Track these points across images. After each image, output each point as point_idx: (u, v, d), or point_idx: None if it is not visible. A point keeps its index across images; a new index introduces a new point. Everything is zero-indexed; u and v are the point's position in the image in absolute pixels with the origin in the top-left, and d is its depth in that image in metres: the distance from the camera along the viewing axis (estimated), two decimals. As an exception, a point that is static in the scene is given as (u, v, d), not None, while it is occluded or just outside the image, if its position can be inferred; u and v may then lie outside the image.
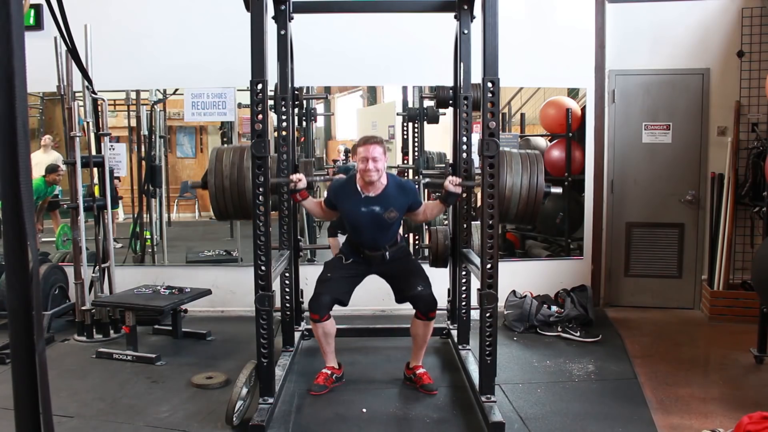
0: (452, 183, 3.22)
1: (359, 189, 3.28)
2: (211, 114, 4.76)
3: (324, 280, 3.34)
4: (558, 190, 3.08)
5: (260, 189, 2.76)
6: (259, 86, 2.69)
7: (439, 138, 5.12)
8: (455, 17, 3.60)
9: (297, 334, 3.93)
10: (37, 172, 4.96)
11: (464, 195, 3.63)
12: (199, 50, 4.63)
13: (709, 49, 4.76)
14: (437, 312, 4.26)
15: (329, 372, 3.33)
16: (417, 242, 5.09)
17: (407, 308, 4.75)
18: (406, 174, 5.16)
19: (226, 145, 3.14)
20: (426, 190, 4.83)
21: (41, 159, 5.07)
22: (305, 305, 4.24)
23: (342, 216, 3.43)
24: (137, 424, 2.90)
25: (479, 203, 3.11)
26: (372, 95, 5.33)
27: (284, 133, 3.65)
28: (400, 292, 3.38)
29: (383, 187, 3.27)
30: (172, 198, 5.36)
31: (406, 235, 5.08)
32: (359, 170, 3.22)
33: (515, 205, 2.95)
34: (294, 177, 3.27)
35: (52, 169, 4.99)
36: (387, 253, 3.37)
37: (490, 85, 2.69)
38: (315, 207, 3.48)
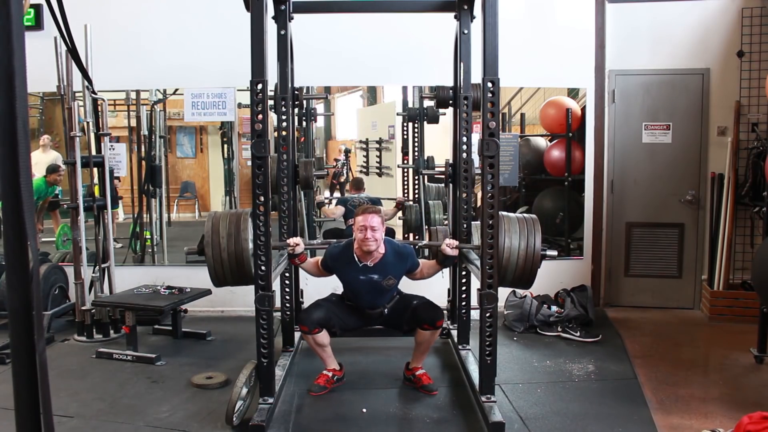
0: (449, 246, 3.22)
1: (357, 258, 3.27)
2: (211, 114, 4.77)
3: (323, 300, 3.38)
4: (554, 253, 3.06)
5: (260, 189, 2.76)
6: (259, 86, 2.69)
7: (439, 138, 5.12)
8: (455, 17, 3.60)
9: (297, 334, 3.92)
10: (37, 172, 4.96)
11: (465, 195, 3.64)
12: (199, 50, 4.63)
13: (709, 49, 4.76)
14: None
15: (330, 374, 3.33)
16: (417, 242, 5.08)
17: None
18: (406, 174, 5.17)
19: (221, 211, 3.09)
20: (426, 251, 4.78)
21: (40, 159, 5.07)
22: (305, 305, 4.24)
23: (340, 280, 3.42)
24: (137, 424, 2.90)
25: (479, 203, 3.12)
26: (372, 95, 5.33)
27: (284, 133, 3.65)
28: (401, 326, 3.39)
29: (381, 256, 3.27)
30: (172, 198, 5.36)
31: (406, 236, 5.09)
32: (357, 239, 3.22)
33: (513, 270, 2.93)
34: (291, 242, 3.24)
35: (52, 169, 4.99)
36: (385, 311, 3.39)
37: (490, 85, 2.69)
38: (313, 268, 3.46)
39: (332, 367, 3.36)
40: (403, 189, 5.12)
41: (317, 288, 4.50)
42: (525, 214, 3.11)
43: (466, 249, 3.35)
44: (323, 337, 3.27)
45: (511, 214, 3.06)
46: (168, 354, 3.87)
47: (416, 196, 5.12)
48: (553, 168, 4.96)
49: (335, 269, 3.38)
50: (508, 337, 4.23)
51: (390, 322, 3.44)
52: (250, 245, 2.93)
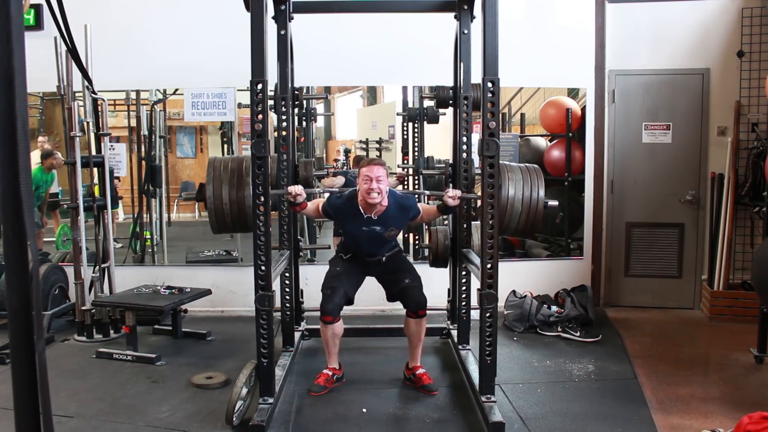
0: (452, 198, 3.20)
1: (361, 210, 3.26)
2: (211, 114, 4.77)
3: (332, 276, 3.37)
4: (555, 203, 3.17)
5: (260, 189, 2.76)
6: (259, 86, 2.69)
7: (439, 138, 5.12)
8: (455, 17, 3.60)
9: (297, 334, 3.93)
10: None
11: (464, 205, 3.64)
12: (199, 50, 4.63)
13: (709, 49, 4.76)
14: (437, 312, 4.30)
15: (330, 373, 3.33)
16: (417, 242, 5.09)
17: (407, 308, 4.73)
18: (406, 173, 5.16)
19: (222, 156, 3.06)
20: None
21: (38, 160, 5.08)
22: (305, 305, 4.25)
23: (341, 229, 3.49)
24: (137, 424, 2.90)
25: (479, 203, 3.12)
26: (372, 95, 5.33)
27: (284, 133, 3.66)
28: (389, 288, 3.42)
29: (384, 209, 3.27)
30: (172, 198, 5.36)
31: (406, 236, 5.09)
32: (362, 190, 3.20)
33: (516, 218, 2.97)
34: (292, 190, 3.14)
35: (47, 154, 4.97)
36: (384, 258, 3.41)
37: (490, 85, 2.69)
38: (314, 212, 3.45)
39: (333, 366, 3.36)
40: (404, 189, 5.12)
41: (317, 288, 4.50)
42: (528, 164, 3.15)
43: (467, 198, 3.39)
44: (340, 327, 3.33)
45: (514, 164, 3.10)
46: (168, 354, 3.87)
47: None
48: (553, 168, 4.96)
49: (337, 218, 3.44)
50: (508, 337, 4.23)
51: (383, 277, 3.45)
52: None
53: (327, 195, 3.44)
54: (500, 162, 2.83)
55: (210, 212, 2.92)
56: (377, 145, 5.29)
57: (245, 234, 4.91)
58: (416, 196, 3.58)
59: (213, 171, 2.94)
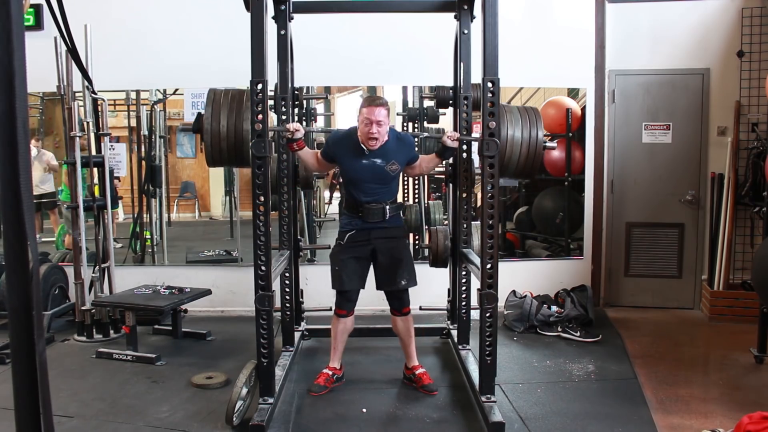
0: (450, 138, 3.20)
1: (361, 144, 3.14)
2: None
3: (337, 273, 3.27)
4: (553, 144, 3.20)
5: (260, 189, 2.76)
6: (259, 86, 2.69)
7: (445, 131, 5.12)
8: (455, 17, 3.60)
9: (297, 334, 3.93)
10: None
11: (464, 195, 3.63)
12: (199, 50, 4.63)
13: (709, 49, 4.76)
14: (437, 312, 4.31)
15: (330, 373, 3.32)
16: (417, 242, 5.09)
17: (407, 308, 4.72)
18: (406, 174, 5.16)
19: (222, 89, 2.98)
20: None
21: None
22: (305, 305, 4.25)
23: (341, 170, 3.29)
24: (137, 424, 2.90)
25: (479, 203, 3.12)
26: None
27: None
28: (383, 280, 3.29)
29: (384, 141, 3.16)
30: (172, 198, 5.36)
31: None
32: (362, 132, 3.09)
33: (516, 159, 2.98)
34: (291, 126, 3.08)
35: None
36: (387, 208, 3.24)
37: (490, 85, 2.69)
38: (311, 158, 3.32)
39: (334, 366, 3.35)
40: (403, 189, 5.11)
41: (318, 288, 4.51)
42: (527, 106, 3.18)
43: (467, 140, 3.40)
44: (352, 322, 3.35)
45: (513, 106, 3.12)
46: (168, 354, 3.87)
47: (416, 196, 5.12)
48: (553, 168, 4.96)
49: (337, 155, 3.24)
50: (508, 337, 4.23)
51: (381, 262, 3.27)
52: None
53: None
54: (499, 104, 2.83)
55: (206, 140, 2.85)
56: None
57: (245, 234, 4.94)
58: (415, 138, 3.52)
59: (213, 96, 2.90)
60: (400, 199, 5.14)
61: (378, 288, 3.35)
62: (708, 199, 4.82)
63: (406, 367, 3.41)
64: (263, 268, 2.80)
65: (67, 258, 4.62)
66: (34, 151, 5.12)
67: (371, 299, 4.65)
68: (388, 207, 3.25)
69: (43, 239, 5.25)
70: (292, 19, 3.65)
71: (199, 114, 2.90)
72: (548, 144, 3.06)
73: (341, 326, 3.32)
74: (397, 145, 3.21)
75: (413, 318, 3.40)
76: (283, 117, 3.62)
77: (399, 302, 3.31)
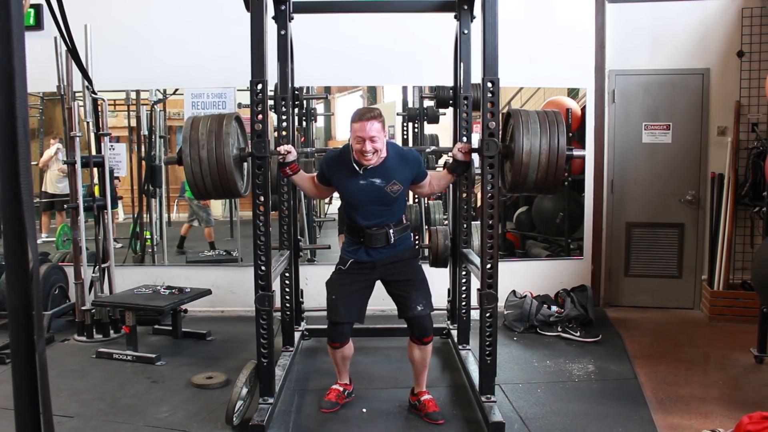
0: (462, 150, 2.90)
1: (356, 161, 2.83)
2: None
3: (333, 303, 2.97)
4: (582, 152, 2.72)
5: (260, 189, 2.76)
6: (259, 86, 2.69)
7: (439, 138, 5.12)
8: (455, 17, 3.60)
9: (297, 334, 3.93)
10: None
11: (464, 195, 3.63)
12: (199, 50, 4.63)
13: (709, 49, 4.76)
14: (437, 312, 4.29)
15: (341, 389, 3.14)
16: (417, 242, 5.09)
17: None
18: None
19: (203, 113, 2.82)
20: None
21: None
22: (305, 305, 4.25)
23: (339, 193, 3.01)
24: (137, 424, 2.90)
25: (479, 203, 3.11)
26: (372, 95, 5.33)
27: (284, 133, 3.66)
28: (398, 308, 3.01)
29: (383, 159, 2.84)
30: (172, 198, 5.36)
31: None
32: (355, 151, 2.79)
33: (534, 172, 2.62)
34: (281, 149, 2.86)
35: None
36: (391, 232, 2.90)
37: (490, 85, 2.69)
38: (307, 183, 3.05)
39: (344, 381, 3.17)
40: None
41: (318, 288, 4.50)
42: (547, 110, 2.77)
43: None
44: (350, 349, 3.07)
45: (530, 110, 2.75)
46: (168, 354, 3.87)
47: (416, 196, 5.12)
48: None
49: (332, 177, 2.93)
50: (508, 337, 4.23)
51: (393, 288, 2.99)
52: (234, 151, 2.70)
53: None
54: (513, 109, 2.59)
55: (188, 178, 2.66)
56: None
57: (245, 234, 4.94)
58: (420, 152, 3.18)
59: (191, 123, 2.68)
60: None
61: (399, 316, 3.05)
62: (708, 199, 4.82)
63: (412, 393, 3.11)
64: (263, 268, 2.80)
65: (67, 258, 4.62)
66: (52, 149, 5.11)
67: (371, 299, 4.65)
68: (392, 231, 2.92)
69: (50, 239, 5.25)
70: (292, 19, 3.65)
71: (180, 149, 2.76)
72: (575, 153, 2.67)
73: (339, 354, 3.04)
74: (399, 162, 2.88)
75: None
76: (284, 133, 3.57)
77: (419, 330, 2.95)
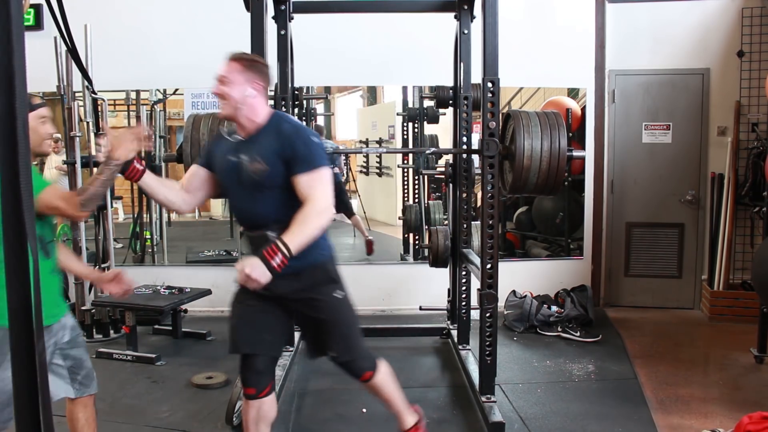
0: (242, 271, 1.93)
1: (229, 133, 2.24)
2: (211, 114, 4.76)
3: (230, 328, 2.20)
4: (582, 153, 2.71)
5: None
6: (259, 86, 2.68)
7: (439, 138, 5.12)
8: (455, 17, 3.60)
9: (297, 334, 3.92)
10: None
11: (464, 195, 3.63)
12: (199, 50, 4.62)
13: (709, 49, 4.76)
14: (437, 312, 4.30)
15: None
16: (417, 242, 5.09)
17: (408, 308, 4.76)
18: (406, 174, 5.15)
19: (204, 112, 2.77)
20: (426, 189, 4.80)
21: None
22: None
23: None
24: (137, 424, 2.90)
25: (479, 203, 3.12)
26: (372, 95, 5.33)
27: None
28: (306, 348, 2.37)
29: (259, 127, 2.12)
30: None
31: (405, 236, 5.06)
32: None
33: (535, 175, 2.61)
34: (101, 141, 2.01)
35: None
36: (268, 234, 2.04)
37: (490, 85, 2.69)
38: (169, 188, 2.22)
39: None
40: (404, 189, 5.12)
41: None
42: (547, 111, 2.77)
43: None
44: (272, 405, 2.18)
45: (531, 111, 2.75)
46: (168, 354, 3.87)
47: (416, 196, 5.13)
48: (553, 168, 4.95)
49: (210, 157, 2.25)
50: (508, 337, 4.23)
51: (295, 309, 2.20)
52: None
53: None
54: (513, 110, 2.56)
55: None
56: (377, 146, 5.29)
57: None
58: (421, 153, 2.81)
59: (192, 122, 2.63)
60: (398, 200, 5.16)
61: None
62: (708, 199, 4.82)
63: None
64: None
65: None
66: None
67: (371, 299, 4.66)
68: (271, 234, 2.02)
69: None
70: (292, 19, 3.65)
71: (180, 146, 2.74)
72: (576, 154, 2.66)
73: (253, 413, 2.15)
74: (273, 137, 2.08)
75: (412, 317, 3.13)
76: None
77: (349, 372, 2.29)
